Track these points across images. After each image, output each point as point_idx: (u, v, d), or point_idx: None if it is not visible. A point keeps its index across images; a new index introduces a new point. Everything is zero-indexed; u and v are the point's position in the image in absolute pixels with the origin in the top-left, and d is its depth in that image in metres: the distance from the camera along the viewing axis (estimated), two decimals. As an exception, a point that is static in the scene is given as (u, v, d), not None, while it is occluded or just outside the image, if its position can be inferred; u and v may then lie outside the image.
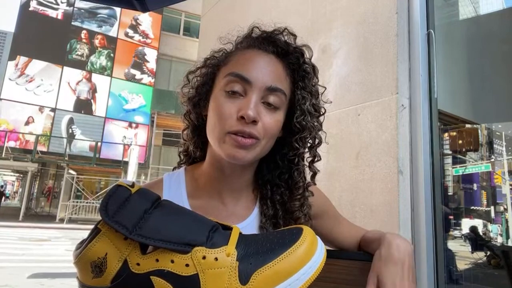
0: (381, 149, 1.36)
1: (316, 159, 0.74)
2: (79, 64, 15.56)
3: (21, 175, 22.26)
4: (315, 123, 0.70)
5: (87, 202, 15.37)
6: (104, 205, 0.45)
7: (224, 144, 0.62)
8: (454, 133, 2.50)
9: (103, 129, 15.51)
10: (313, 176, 0.74)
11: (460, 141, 2.54)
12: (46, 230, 12.13)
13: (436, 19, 1.46)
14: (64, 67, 15.14)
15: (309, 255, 0.45)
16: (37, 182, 18.80)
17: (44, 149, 14.46)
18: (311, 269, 0.44)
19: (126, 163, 14.40)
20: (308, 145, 0.72)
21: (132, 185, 0.49)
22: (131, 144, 15.35)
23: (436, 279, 1.25)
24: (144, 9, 1.55)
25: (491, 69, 1.84)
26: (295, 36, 0.72)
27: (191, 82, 0.73)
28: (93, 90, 15.60)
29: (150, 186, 0.71)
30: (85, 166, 15.05)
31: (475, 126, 2.64)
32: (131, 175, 13.17)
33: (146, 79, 16.56)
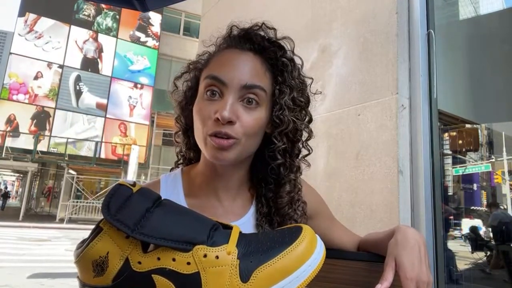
0: (381, 149, 1.36)
1: (304, 154, 0.73)
2: (86, 24, 16.07)
3: (21, 175, 22.27)
4: (296, 117, 0.69)
5: (87, 202, 15.36)
6: (106, 203, 0.45)
7: (206, 146, 0.63)
8: (454, 133, 2.51)
9: (109, 88, 15.94)
10: (296, 171, 0.72)
11: (460, 141, 2.54)
12: (46, 230, 12.13)
13: (436, 19, 1.46)
14: (72, 26, 15.69)
15: (309, 253, 0.45)
16: (37, 182, 18.80)
17: (45, 148, 14.56)
18: (311, 267, 0.45)
19: (126, 163, 14.42)
20: (295, 139, 0.70)
21: (134, 184, 0.49)
22: (136, 105, 15.82)
23: (436, 279, 1.25)
24: (144, 9, 1.56)
25: (491, 69, 1.84)
26: (274, 29, 0.71)
27: (180, 86, 0.74)
28: (100, 50, 16.14)
29: (147, 186, 0.72)
30: (85, 166, 15.06)
31: (475, 126, 2.64)
32: (131, 175, 13.18)
33: (151, 42, 17.05)
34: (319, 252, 0.47)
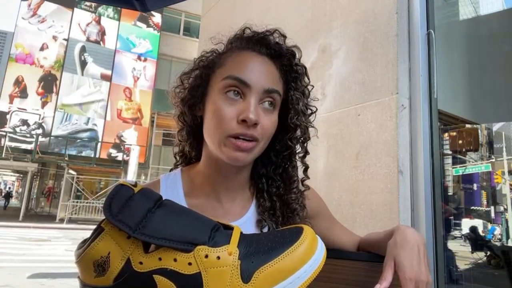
0: (381, 149, 1.36)
1: (306, 154, 0.76)
2: (88, 11, 16.38)
3: (21, 175, 22.26)
4: (308, 122, 0.73)
5: (87, 202, 15.36)
6: (108, 204, 0.45)
7: (225, 147, 0.63)
8: (454, 133, 2.51)
9: (114, 59, 16.24)
10: (305, 170, 0.76)
11: (460, 141, 2.54)
12: (46, 230, 12.13)
13: (436, 19, 1.46)
14: (75, 9, 15.98)
15: (310, 253, 0.45)
16: (37, 182, 18.79)
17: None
18: (312, 267, 0.45)
19: (126, 163, 14.42)
20: (305, 142, 0.74)
21: (135, 185, 0.49)
22: (139, 76, 16.20)
23: (436, 279, 1.25)
24: (144, 9, 1.56)
25: (491, 69, 1.84)
26: (285, 37, 0.73)
27: (183, 83, 0.73)
28: (102, 33, 16.41)
29: (147, 186, 0.72)
30: (85, 166, 15.06)
31: (475, 126, 2.64)
32: (131, 175, 13.18)
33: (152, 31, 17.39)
34: (320, 252, 0.47)
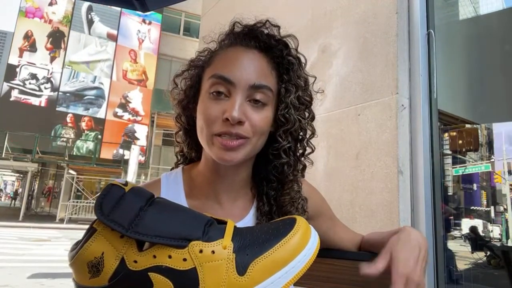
0: (381, 149, 1.36)
1: (306, 152, 0.72)
2: None
3: (21, 175, 22.25)
4: (301, 116, 0.69)
5: (87, 202, 15.37)
6: (99, 204, 0.45)
7: (213, 147, 0.62)
8: (454, 133, 2.50)
9: (119, 20, 16.59)
10: (302, 170, 0.73)
11: (460, 141, 2.53)
12: (46, 230, 12.13)
13: (436, 19, 1.46)
14: None
15: (304, 243, 0.46)
16: (37, 182, 18.79)
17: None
18: (306, 257, 0.45)
19: (126, 162, 14.43)
20: (300, 137, 0.70)
21: (126, 184, 0.49)
22: (144, 39, 16.68)
23: (436, 279, 1.25)
24: (144, 9, 1.56)
25: (491, 69, 1.84)
26: (278, 27, 0.70)
27: (179, 84, 0.73)
28: None
29: (148, 186, 0.71)
30: (85, 166, 15.07)
31: (475, 126, 2.64)
32: (131, 175, 13.19)
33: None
34: (314, 242, 0.47)
